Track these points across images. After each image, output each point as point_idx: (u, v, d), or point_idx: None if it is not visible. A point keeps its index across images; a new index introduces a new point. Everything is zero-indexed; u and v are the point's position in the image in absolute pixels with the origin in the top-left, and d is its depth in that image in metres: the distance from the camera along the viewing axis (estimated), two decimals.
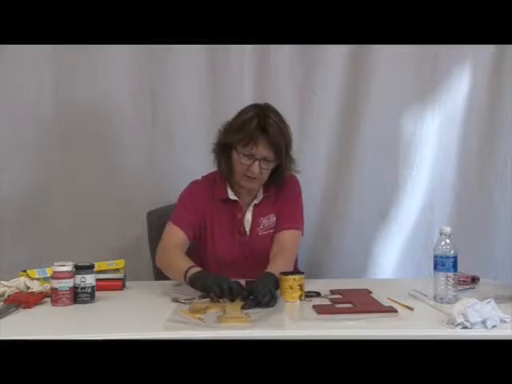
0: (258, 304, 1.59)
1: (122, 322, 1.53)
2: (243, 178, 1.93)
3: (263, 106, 1.95)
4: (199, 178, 2.07)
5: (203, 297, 1.67)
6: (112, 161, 2.50)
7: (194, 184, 2.05)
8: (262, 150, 1.88)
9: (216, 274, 1.71)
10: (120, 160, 2.50)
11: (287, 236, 1.97)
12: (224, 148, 1.96)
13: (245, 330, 1.41)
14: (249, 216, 2.01)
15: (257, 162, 1.89)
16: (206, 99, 2.51)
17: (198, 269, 1.75)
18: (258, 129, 1.88)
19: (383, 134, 2.52)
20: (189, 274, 1.72)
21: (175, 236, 1.94)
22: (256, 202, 2.01)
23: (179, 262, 1.81)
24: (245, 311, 1.55)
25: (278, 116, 1.94)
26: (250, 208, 2.01)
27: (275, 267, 1.78)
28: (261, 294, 1.60)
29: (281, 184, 2.00)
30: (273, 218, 2.01)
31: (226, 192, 2.00)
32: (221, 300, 1.63)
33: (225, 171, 1.98)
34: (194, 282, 1.71)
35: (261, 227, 2.00)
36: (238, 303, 1.61)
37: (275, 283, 1.69)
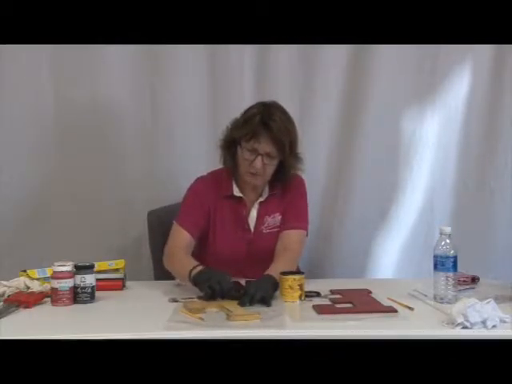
0: (252, 300, 1.60)
1: (122, 322, 1.53)
2: (247, 174, 1.93)
3: (269, 104, 1.95)
4: (205, 174, 2.07)
5: (201, 298, 1.67)
6: (112, 161, 2.50)
7: (200, 180, 2.04)
8: (265, 145, 1.89)
9: (215, 271, 1.71)
10: (120, 160, 2.50)
11: (292, 236, 1.97)
12: (230, 144, 1.97)
13: (247, 330, 1.41)
14: (254, 213, 2.01)
15: (259, 158, 1.89)
16: (206, 99, 2.51)
17: (200, 267, 1.75)
18: (261, 124, 1.88)
19: (383, 133, 2.52)
20: (192, 274, 1.73)
21: (180, 238, 1.94)
22: (261, 199, 2.01)
23: (183, 264, 1.81)
24: (251, 309, 1.56)
25: (284, 113, 1.94)
26: (256, 205, 2.01)
27: (278, 267, 1.78)
28: (253, 290, 1.61)
29: (285, 181, 2.00)
30: (278, 217, 2.01)
31: (232, 188, 2.00)
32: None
33: (230, 167, 1.99)
34: (196, 281, 1.71)
35: (265, 225, 2.00)
36: (235, 301, 1.62)
37: (273, 285, 1.69)
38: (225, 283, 1.65)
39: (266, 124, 1.88)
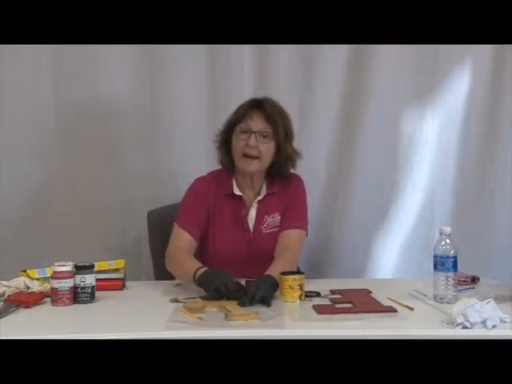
0: (252, 300, 1.60)
1: (122, 321, 1.53)
2: (242, 159, 1.93)
3: (261, 97, 2.01)
4: (204, 174, 2.07)
5: (205, 298, 1.67)
6: (112, 160, 2.50)
7: (199, 180, 2.04)
8: (258, 121, 1.91)
9: (220, 272, 1.71)
10: (120, 160, 2.50)
11: (291, 236, 1.97)
12: (226, 138, 1.98)
13: (246, 330, 1.41)
14: (253, 213, 2.01)
15: (253, 136, 1.90)
16: (206, 99, 2.51)
17: (205, 269, 1.75)
18: (253, 104, 1.95)
19: (383, 133, 2.52)
20: (197, 276, 1.73)
21: (181, 239, 1.93)
22: (260, 198, 2.01)
23: (187, 266, 1.81)
24: (251, 309, 1.56)
25: (276, 102, 1.99)
26: (254, 204, 2.01)
27: (277, 267, 1.78)
28: (253, 290, 1.61)
29: (283, 174, 2.00)
30: (278, 217, 2.00)
31: (232, 187, 2.00)
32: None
33: (228, 165, 2.00)
34: (201, 282, 1.71)
35: (265, 225, 2.00)
36: (235, 302, 1.62)
37: (273, 285, 1.69)
38: (230, 284, 1.65)
39: (259, 103, 1.94)
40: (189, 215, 1.98)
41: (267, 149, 1.93)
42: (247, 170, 1.97)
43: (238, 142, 1.93)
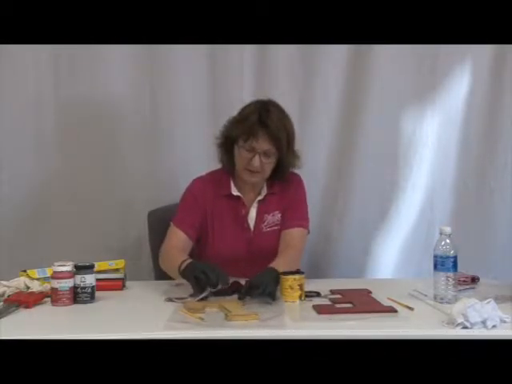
0: (254, 292, 1.61)
1: (122, 322, 1.53)
2: (245, 172, 1.94)
3: (265, 101, 1.97)
4: (203, 174, 2.07)
5: (193, 295, 1.67)
6: (112, 161, 2.50)
7: (197, 181, 2.04)
8: (263, 143, 1.89)
9: (201, 263, 1.74)
10: (120, 160, 2.50)
11: (294, 234, 1.97)
12: (226, 142, 1.98)
13: (247, 330, 1.41)
14: (253, 212, 2.01)
15: (257, 156, 1.89)
16: (206, 99, 2.51)
17: (188, 261, 1.76)
18: (258, 122, 1.89)
19: (383, 133, 2.52)
20: (181, 269, 1.74)
21: (175, 238, 1.94)
22: (260, 198, 2.01)
23: (175, 261, 1.81)
24: (251, 309, 1.56)
25: (280, 110, 1.96)
26: (255, 204, 2.01)
27: (280, 262, 1.79)
28: (256, 284, 1.63)
29: (283, 179, 2.01)
30: (278, 215, 2.01)
31: (230, 188, 2.00)
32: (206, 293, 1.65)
33: (227, 165, 1.99)
34: (184, 275, 1.73)
35: (265, 224, 2.00)
36: (235, 301, 1.63)
37: (275, 278, 1.69)
38: (210, 273, 1.64)
39: (263, 122, 1.89)
40: (185, 215, 1.98)
41: (270, 165, 1.94)
42: (250, 182, 1.98)
43: (241, 159, 1.92)
